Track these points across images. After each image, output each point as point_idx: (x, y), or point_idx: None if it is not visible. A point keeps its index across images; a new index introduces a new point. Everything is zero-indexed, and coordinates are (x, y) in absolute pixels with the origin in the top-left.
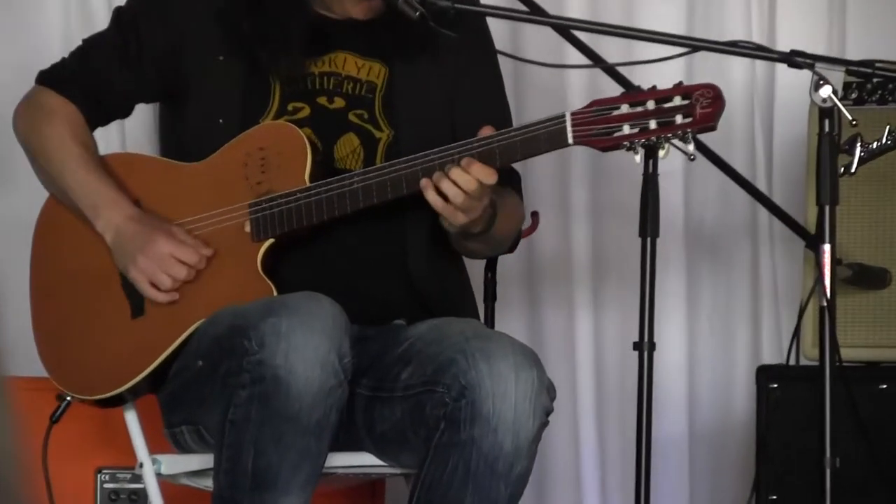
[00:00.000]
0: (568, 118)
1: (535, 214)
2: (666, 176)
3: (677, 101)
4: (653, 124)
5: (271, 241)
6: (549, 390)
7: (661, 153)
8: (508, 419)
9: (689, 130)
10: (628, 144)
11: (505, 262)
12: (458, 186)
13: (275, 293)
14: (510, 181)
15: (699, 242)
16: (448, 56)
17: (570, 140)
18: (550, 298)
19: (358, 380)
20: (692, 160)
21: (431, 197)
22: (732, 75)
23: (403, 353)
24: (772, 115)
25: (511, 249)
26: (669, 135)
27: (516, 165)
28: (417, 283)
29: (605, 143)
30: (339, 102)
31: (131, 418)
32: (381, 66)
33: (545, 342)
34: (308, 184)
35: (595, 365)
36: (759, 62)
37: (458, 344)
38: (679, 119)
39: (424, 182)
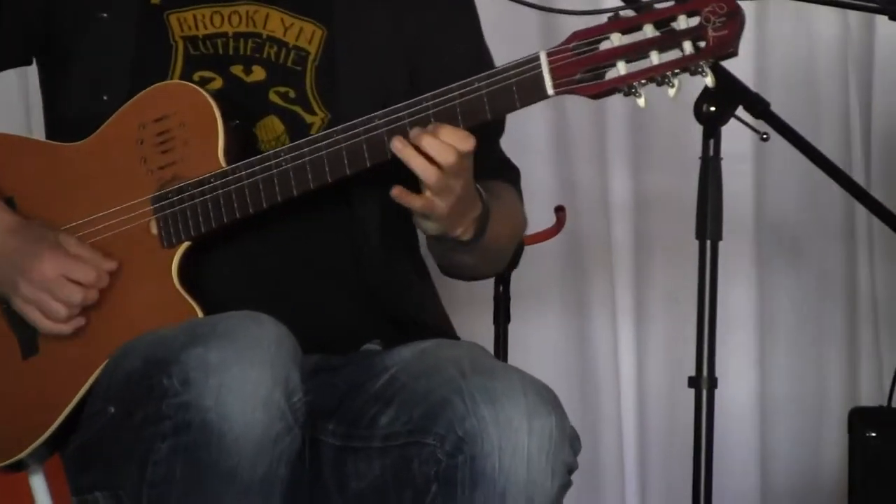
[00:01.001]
0: (543, 60)
1: (559, 211)
2: (732, 160)
3: (682, 22)
4: (654, 57)
5: (186, 244)
6: (573, 442)
7: (671, 92)
8: (520, 480)
9: (701, 62)
10: (626, 88)
11: (522, 270)
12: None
13: (200, 314)
14: (503, 175)
15: (775, 247)
16: (408, 10)
17: (550, 89)
18: (578, 316)
19: (323, 424)
20: (765, 139)
21: (419, 163)
22: (817, 30)
23: (382, 390)
24: (870, 83)
25: (512, 264)
26: (677, 70)
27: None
28: (377, 294)
29: (596, 88)
30: (258, 73)
31: (38, 485)
32: (315, 27)
33: (567, 375)
34: (224, 165)
35: (637, 404)
36: (852, 13)
37: (453, 379)
38: (688, 48)
39: (399, 143)
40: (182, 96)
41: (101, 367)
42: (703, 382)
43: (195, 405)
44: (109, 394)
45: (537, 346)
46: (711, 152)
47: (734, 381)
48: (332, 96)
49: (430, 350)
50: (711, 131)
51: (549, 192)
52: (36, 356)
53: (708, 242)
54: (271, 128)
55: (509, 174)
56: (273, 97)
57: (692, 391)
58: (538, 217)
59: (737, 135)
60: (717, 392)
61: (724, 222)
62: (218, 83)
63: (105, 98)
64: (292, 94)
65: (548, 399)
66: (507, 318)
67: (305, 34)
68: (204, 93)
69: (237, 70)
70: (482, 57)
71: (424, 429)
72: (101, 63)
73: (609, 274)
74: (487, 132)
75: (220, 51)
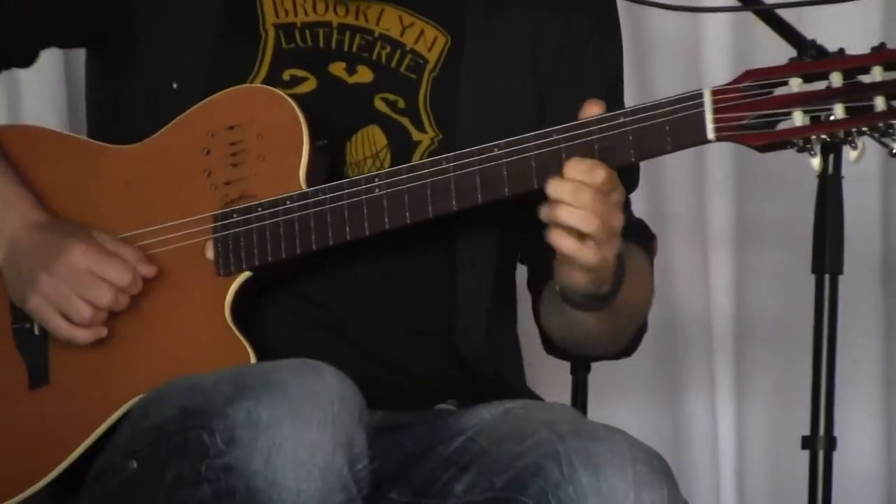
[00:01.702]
0: (707, 98)
1: (651, 240)
2: (855, 182)
3: (877, 73)
4: (839, 111)
5: (247, 275)
6: None
7: (853, 154)
8: None
9: (895, 122)
10: (800, 143)
11: None
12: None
13: (252, 357)
14: (635, 237)
15: None
16: (547, 28)
17: (711, 133)
18: (668, 363)
19: (385, 492)
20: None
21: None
22: None
23: (457, 453)
24: None
25: (632, 345)
26: (865, 128)
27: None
28: (467, 359)
29: (765, 138)
30: (363, 74)
31: None
32: (438, 33)
33: (671, 428)
34: (304, 187)
35: (738, 468)
36: None
37: (546, 442)
38: (880, 103)
39: (556, 186)
40: (264, 104)
41: (124, 407)
42: (820, 443)
43: (241, 469)
44: (133, 446)
45: (620, 394)
46: (831, 170)
47: (856, 442)
48: (449, 115)
49: (517, 411)
50: (831, 147)
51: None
52: (46, 386)
53: (826, 277)
54: (370, 140)
55: (643, 238)
56: (379, 104)
57: (806, 454)
58: None
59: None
60: (835, 455)
61: (845, 253)
62: (311, 84)
63: (175, 86)
64: (401, 105)
65: (659, 468)
66: (587, 366)
67: (426, 39)
68: (293, 104)
69: (337, 69)
70: (619, 94)
71: (510, 498)
72: (176, 46)
73: (705, 311)
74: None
75: (321, 44)
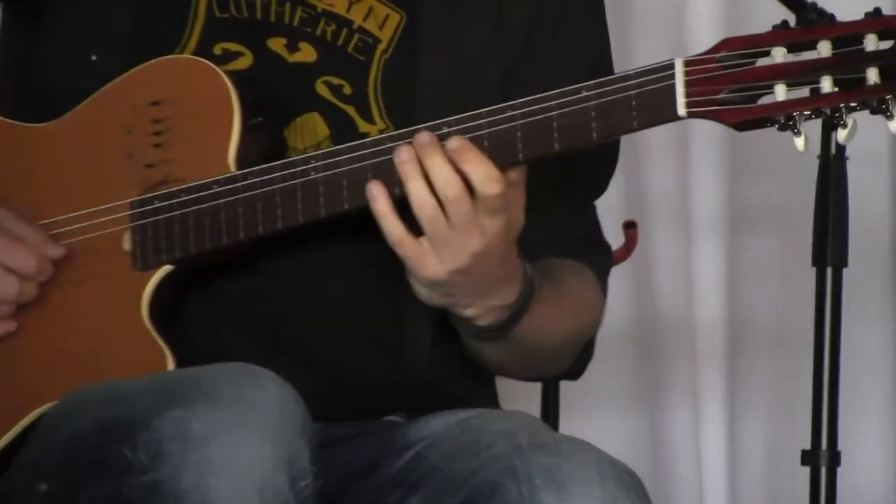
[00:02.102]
0: (679, 70)
1: (629, 227)
2: (860, 162)
3: (870, 42)
4: (826, 84)
5: (168, 269)
6: None
7: (842, 134)
8: None
9: (889, 98)
10: (782, 120)
11: None
12: (429, 187)
13: (170, 363)
14: (583, 254)
15: None
16: (516, 4)
17: (682, 109)
18: (660, 368)
19: None
20: None
21: (415, 187)
22: None
23: (406, 471)
24: None
25: (572, 372)
26: (855, 104)
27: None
28: (414, 364)
29: (743, 115)
30: (306, 53)
31: None
32: (390, 10)
33: (650, 443)
34: (234, 169)
35: (728, 487)
36: None
37: (503, 456)
38: (873, 76)
39: (405, 154)
40: (192, 77)
41: (31, 416)
42: (822, 458)
43: (169, 488)
44: (42, 465)
45: (594, 404)
46: (833, 150)
47: (862, 457)
48: (403, 104)
49: (472, 421)
50: (830, 122)
51: (614, 205)
52: None
53: (829, 270)
54: (311, 129)
55: (592, 254)
56: (321, 89)
57: (806, 470)
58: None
59: (867, 126)
60: (839, 471)
61: (850, 244)
62: (247, 60)
63: (94, 58)
64: (347, 91)
65: (630, 485)
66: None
67: (377, 16)
68: (223, 76)
69: (276, 44)
70: (603, 69)
71: None
72: (96, 14)
73: (690, 309)
74: (576, 188)
75: (258, 14)
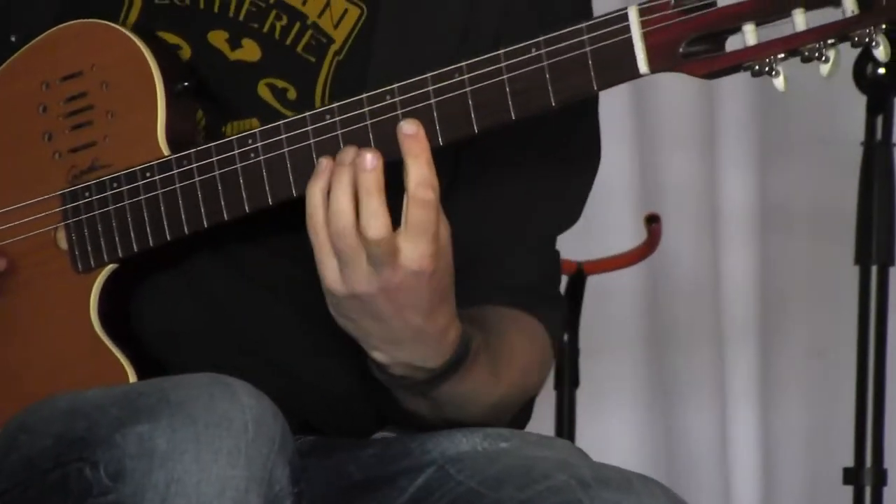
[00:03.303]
0: (634, 20)
1: (652, 221)
2: None
3: None
4: (799, 19)
5: (112, 268)
6: None
7: (824, 69)
8: None
9: (871, 28)
10: (755, 66)
11: (594, 305)
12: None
13: (130, 373)
14: (531, 302)
15: None
16: (487, 10)
17: (643, 65)
18: (682, 375)
19: None
20: None
21: (312, 191)
22: None
23: (434, 492)
24: None
25: (518, 420)
26: (833, 38)
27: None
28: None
29: (710, 65)
30: (249, 51)
31: None
32: (350, 4)
33: (670, 452)
34: (166, 151)
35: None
36: None
37: (564, 489)
38: (850, 5)
39: (371, 166)
40: (103, 44)
41: None
42: (867, 476)
43: None
44: None
45: (611, 410)
46: (879, 136)
47: None
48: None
49: (502, 444)
50: (879, 105)
51: (632, 198)
52: None
53: (873, 269)
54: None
55: (546, 306)
56: (263, 92)
57: (849, 489)
58: (619, 231)
59: None
60: (885, 490)
61: None
62: (184, 53)
63: (13, 40)
64: (292, 95)
65: None
66: (576, 382)
67: (333, 11)
68: (135, 40)
69: (217, 39)
70: None
71: None
72: None
73: (718, 315)
74: (539, 218)
75: (200, 4)
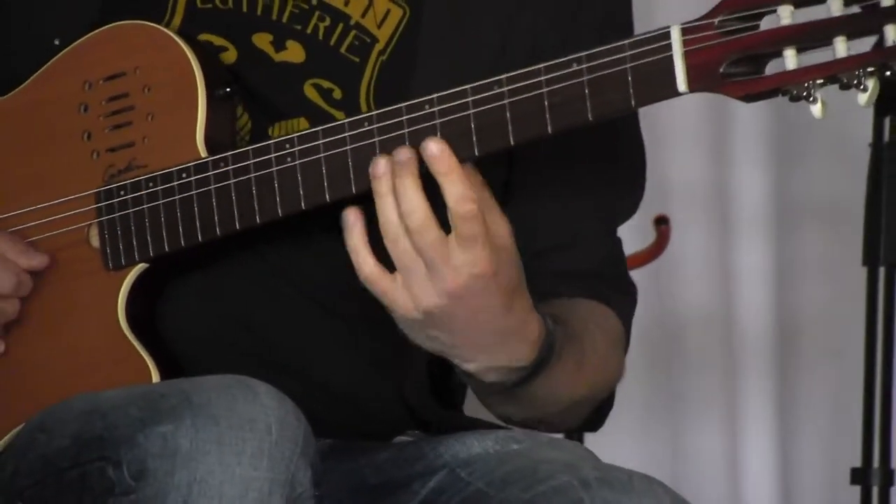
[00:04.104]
0: (676, 39)
1: (661, 223)
2: None
3: None
4: (840, 47)
5: (142, 267)
6: None
7: (863, 98)
8: None
9: None
10: (794, 90)
11: None
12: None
13: (154, 373)
14: (604, 293)
15: None
16: (530, 6)
17: (683, 85)
18: (691, 378)
19: None
20: None
21: (384, 205)
22: None
23: (444, 494)
24: None
25: (587, 426)
26: (874, 67)
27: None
28: (415, 399)
29: (749, 87)
30: (293, 52)
31: None
32: (392, 4)
33: (676, 459)
34: (204, 153)
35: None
36: None
37: (567, 489)
38: (892, 35)
39: (382, 166)
40: (148, 47)
41: (6, 438)
42: (874, 477)
43: None
44: (18, 484)
45: (620, 408)
46: (887, 137)
47: None
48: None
49: (514, 446)
50: (888, 106)
51: (648, 198)
52: None
53: (881, 270)
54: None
55: (618, 295)
56: (309, 92)
57: (857, 489)
58: (627, 232)
59: None
60: (893, 490)
61: None
62: (230, 55)
63: (58, 43)
64: (338, 95)
65: None
66: None
67: (377, 11)
68: (181, 44)
69: (261, 41)
70: None
71: None
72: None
73: (726, 312)
74: (599, 208)
75: (244, 7)
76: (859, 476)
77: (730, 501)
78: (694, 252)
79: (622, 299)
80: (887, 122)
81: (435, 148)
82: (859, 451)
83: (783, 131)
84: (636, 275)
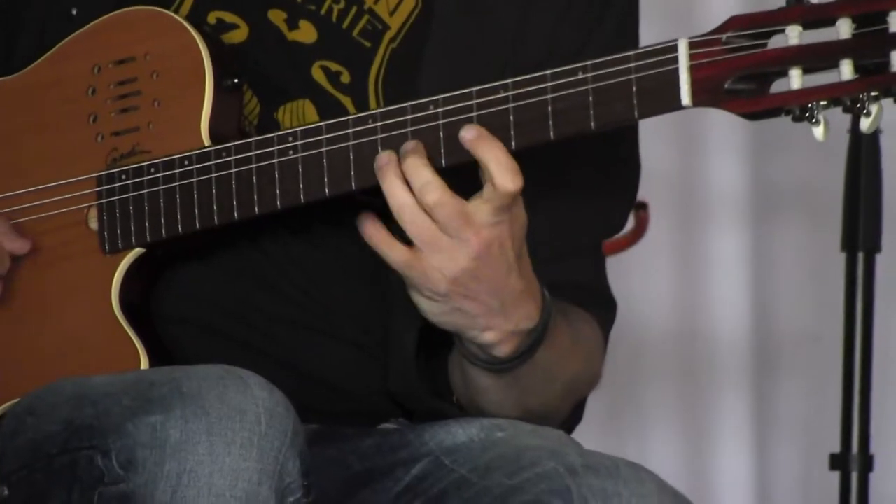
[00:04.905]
0: (683, 52)
1: (640, 209)
2: (894, 134)
3: (895, 21)
4: (846, 69)
5: (138, 252)
6: None
7: (865, 123)
8: None
9: None
10: (797, 111)
11: None
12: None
13: (143, 361)
14: (589, 303)
15: None
16: (544, 10)
17: (686, 98)
18: (666, 363)
19: None
20: None
21: (393, 192)
22: None
23: (426, 480)
24: None
25: (570, 420)
26: (878, 92)
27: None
28: (401, 386)
29: (754, 105)
30: (305, 32)
31: None
32: None
33: (657, 442)
34: (207, 142)
35: (757, 493)
36: None
37: (552, 475)
38: None
39: (384, 158)
40: (159, 33)
41: None
42: (853, 462)
43: (142, 499)
44: (5, 468)
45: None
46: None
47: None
48: (404, 99)
49: (497, 433)
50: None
51: None
52: None
53: (860, 255)
54: (300, 118)
55: (601, 308)
56: (317, 74)
57: (835, 475)
58: None
59: None
60: (871, 476)
61: (884, 226)
62: (242, 33)
63: (74, 13)
64: (345, 79)
65: None
66: None
67: None
68: (193, 32)
69: (276, 17)
70: None
71: None
72: None
73: (704, 301)
74: (589, 224)
75: None
76: (839, 462)
77: (703, 485)
78: (669, 240)
79: (603, 314)
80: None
81: (471, 131)
82: (836, 437)
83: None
84: (612, 261)
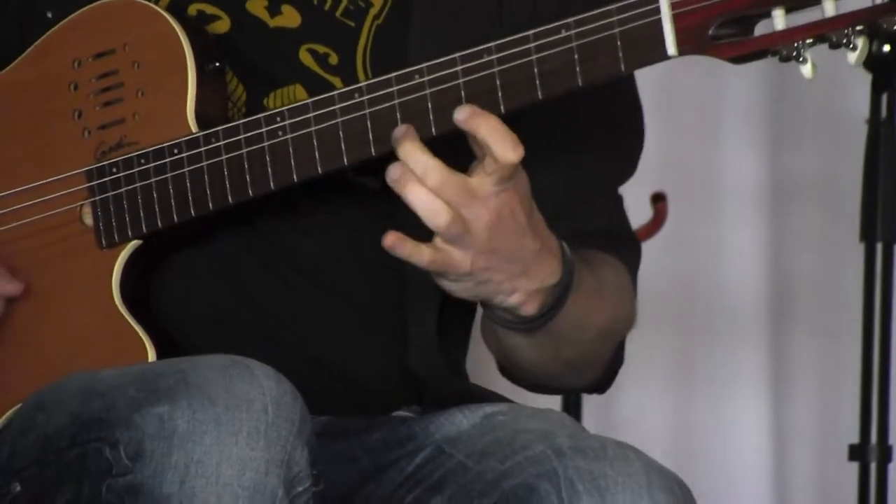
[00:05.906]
0: (664, 1)
1: (659, 201)
2: None
3: None
4: (829, 7)
5: (136, 244)
6: None
7: (852, 57)
8: None
9: None
10: (783, 51)
11: None
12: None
13: (150, 351)
14: (612, 246)
15: None
16: None
17: (672, 47)
18: (691, 351)
19: None
20: None
21: (416, 196)
22: None
23: (426, 469)
24: None
25: (601, 382)
26: (863, 25)
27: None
28: (420, 370)
29: (739, 49)
30: (289, 17)
31: None
32: None
33: (677, 430)
34: (195, 129)
35: (774, 485)
36: None
37: (541, 458)
38: None
39: (403, 133)
40: (136, 23)
41: (5, 418)
42: (872, 453)
43: (150, 490)
44: (15, 465)
45: (621, 390)
46: (884, 113)
47: None
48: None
49: (498, 418)
50: (885, 82)
51: (638, 176)
52: None
53: (879, 246)
54: (291, 102)
55: (623, 247)
56: (304, 57)
57: (854, 465)
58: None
59: None
60: (891, 466)
61: None
62: (223, 24)
63: (49, 16)
64: (333, 60)
65: (682, 498)
66: None
67: None
68: (169, 19)
69: (256, 7)
70: None
71: None
72: None
73: (723, 290)
74: (600, 169)
75: None
76: (857, 452)
77: (722, 475)
78: (689, 230)
79: (627, 252)
80: (884, 98)
81: (464, 112)
82: (853, 427)
83: (779, 108)
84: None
